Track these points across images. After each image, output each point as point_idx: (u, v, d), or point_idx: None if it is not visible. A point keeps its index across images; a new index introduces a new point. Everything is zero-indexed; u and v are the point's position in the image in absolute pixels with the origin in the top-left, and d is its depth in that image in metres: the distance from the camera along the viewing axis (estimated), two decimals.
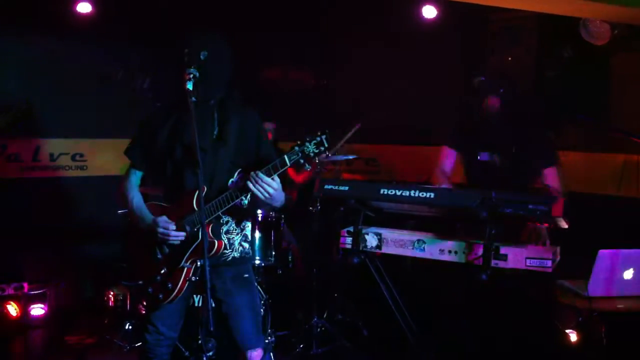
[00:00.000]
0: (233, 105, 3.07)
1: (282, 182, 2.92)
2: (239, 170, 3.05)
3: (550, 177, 4.04)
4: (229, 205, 2.91)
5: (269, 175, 2.82)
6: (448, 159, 4.23)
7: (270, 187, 2.83)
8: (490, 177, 4.01)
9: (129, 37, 5.63)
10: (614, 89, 5.37)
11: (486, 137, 4.00)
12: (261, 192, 2.83)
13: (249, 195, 2.97)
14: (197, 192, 2.90)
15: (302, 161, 2.78)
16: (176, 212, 3.00)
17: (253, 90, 3.98)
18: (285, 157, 2.80)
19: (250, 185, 2.83)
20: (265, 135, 3.13)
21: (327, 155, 2.81)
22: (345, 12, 6.11)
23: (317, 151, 2.77)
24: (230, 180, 3.02)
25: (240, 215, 3.13)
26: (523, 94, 4.12)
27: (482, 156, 4.04)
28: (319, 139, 2.77)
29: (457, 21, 5.81)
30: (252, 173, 2.84)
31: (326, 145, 2.77)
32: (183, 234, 2.96)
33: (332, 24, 6.23)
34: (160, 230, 2.96)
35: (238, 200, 2.92)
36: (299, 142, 2.80)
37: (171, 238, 2.96)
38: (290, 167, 2.80)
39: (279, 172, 2.83)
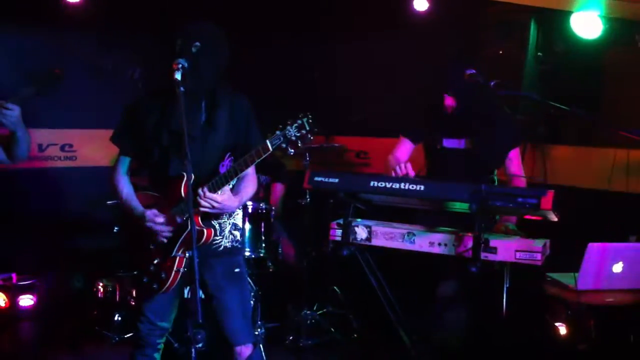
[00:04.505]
0: (222, 92, 3.06)
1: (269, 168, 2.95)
2: (228, 154, 3.06)
3: (514, 160, 4.06)
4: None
5: (252, 162, 2.84)
6: (402, 147, 4.25)
7: (214, 201, 2.88)
8: (456, 163, 4.01)
9: (119, 27, 5.59)
10: (607, 83, 5.37)
11: (452, 123, 4.01)
12: (207, 207, 2.89)
13: (234, 181, 2.99)
14: (184, 180, 2.90)
15: (284, 145, 2.80)
16: (166, 202, 2.99)
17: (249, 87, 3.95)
18: (268, 142, 2.80)
19: (200, 200, 2.87)
20: (254, 120, 3.11)
21: (310, 138, 2.82)
22: (339, 6, 6.09)
23: (298, 134, 2.78)
24: (221, 164, 3.01)
25: None
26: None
27: (447, 142, 4.05)
28: (300, 122, 2.79)
29: (450, 15, 5.80)
30: (199, 190, 2.87)
31: (307, 128, 2.78)
32: (170, 227, 2.96)
33: (326, 18, 6.20)
34: (149, 224, 2.95)
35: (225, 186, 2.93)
36: (280, 126, 2.80)
37: (159, 232, 2.96)
38: (273, 151, 2.81)
39: (262, 157, 2.83)
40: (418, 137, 4.23)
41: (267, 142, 2.80)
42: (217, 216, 3.11)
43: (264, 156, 2.82)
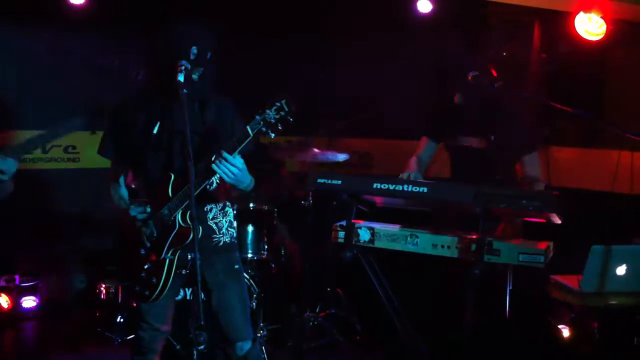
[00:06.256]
0: (209, 93, 3.06)
1: (251, 161, 2.90)
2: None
3: (529, 164, 4.04)
4: (199, 190, 2.86)
5: (234, 149, 2.77)
6: (426, 148, 4.26)
7: (234, 167, 2.78)
8: (474, 163, 4.00)
9: (123, 28, 5.59)
10: (610, 84, 5.37)
11: (468, 122, 4.01)
12: (225, 173, 2.79)
13: (216, 177, 2.95)
14: (171, 179, 2.91)
15: (264, 129, 2.73)
16: (154, 204, 2.98)
17: (248, 88, 3.96)
18: (248, 127, 2.74)
19: (215, 167, 2.78)
20: (238, 119, 3.09)
21: (291, 120, 2.76)
22: (342, 7, 6.09)
23: (277, 117, 2.72)
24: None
25: (216, 199, 3.12)
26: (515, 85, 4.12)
27: (466, 141, 4.04)
28: (278, 104, 2.73)
29: (454, 16, 5.79)
30: (216, 153, 2.79)
31: (287, 109, 2.72)
32: (145, 207, 2.94)
33: (329, 19, 6.19)
34: (138, 223, 2.95)
35: (206, 183, 2.89)
36: (259, 111, 2.74)
37: (138, 216, 2.95)
38: (253, 136, 2.76)
39: (243, 144, 2.77)
40: (439, 136, 4.23)
41: (247, 127, 2.74)
42: (214, 216, 3.11)
43: (245, 142, 2.76)
